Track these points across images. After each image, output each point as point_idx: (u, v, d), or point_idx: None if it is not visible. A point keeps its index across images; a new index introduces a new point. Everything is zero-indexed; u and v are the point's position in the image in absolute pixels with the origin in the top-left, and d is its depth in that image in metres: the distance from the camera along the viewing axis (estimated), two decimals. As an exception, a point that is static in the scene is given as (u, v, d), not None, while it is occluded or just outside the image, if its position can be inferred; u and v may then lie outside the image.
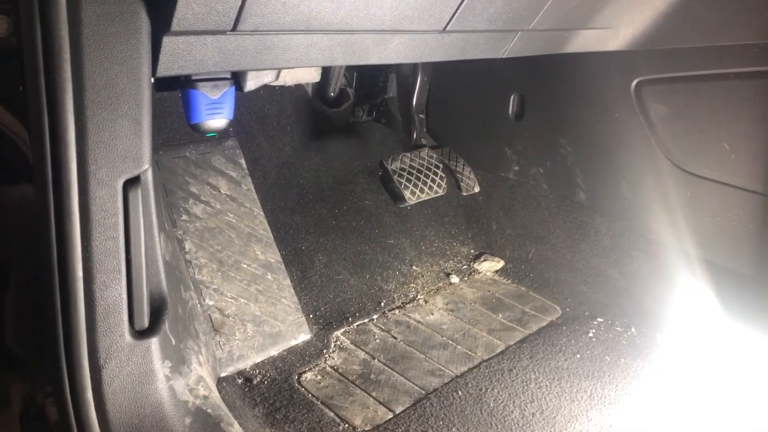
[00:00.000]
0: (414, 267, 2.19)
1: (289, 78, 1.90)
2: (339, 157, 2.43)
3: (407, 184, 2.20)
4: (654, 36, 1.77)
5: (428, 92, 2.45)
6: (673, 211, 1.88)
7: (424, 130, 2.48)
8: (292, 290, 1.79)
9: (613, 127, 1.98)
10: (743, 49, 1.64)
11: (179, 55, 1.01)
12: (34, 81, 0.89)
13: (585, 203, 2.17)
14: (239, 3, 0.97)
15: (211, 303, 1.59)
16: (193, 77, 1.23)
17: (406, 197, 2.18)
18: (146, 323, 1.10)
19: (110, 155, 0.97)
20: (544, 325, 1.95)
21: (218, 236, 1.69)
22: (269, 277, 1.75)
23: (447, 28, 1.37)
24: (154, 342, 1.10)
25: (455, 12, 1.32)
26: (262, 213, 1.83)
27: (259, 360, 1.62)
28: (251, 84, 1.29)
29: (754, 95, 1.67)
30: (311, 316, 1.83)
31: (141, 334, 1.09)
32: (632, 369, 1.72)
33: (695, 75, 1.75)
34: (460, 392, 1.59)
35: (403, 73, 2.42)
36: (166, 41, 0.98)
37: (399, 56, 1.40)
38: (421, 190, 2.22)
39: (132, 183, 1.01)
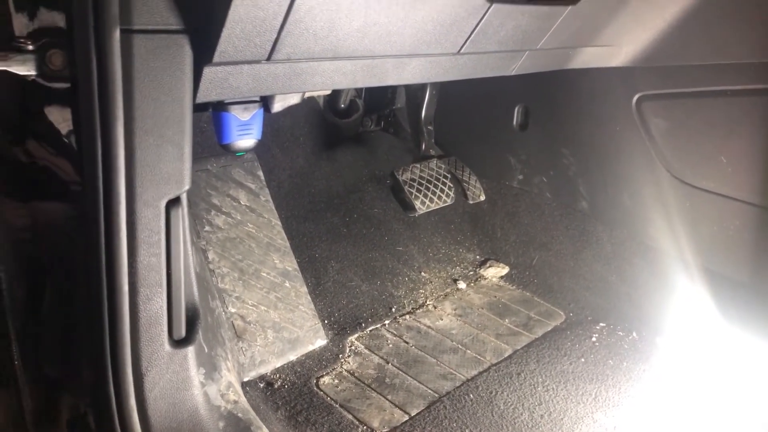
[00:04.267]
0: (422, 273, 2.27)
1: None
2: (349, 166, 2.50)
3: (417, 194, 2.28)
4: (655, 53, 1.85)
5: (436, 104, 2.53)
6: (672, 220, 1.96)
7: (432, 140, 2.56)
8: (309, 297, 1.86)
9: (614, 139, 2.06)
10: (741, 67, 1.73)
11: (217, 83, 1.08)
12: (88, 110, 0.96)
13: (587, 212, 2.25)
14: (275, 36, 1.04)
15: (233, 311, 1.66)
16: (225, 101, 1.30)
17: (417, 207, 2.25)
18: (183, 333, 1.17)
19: (155, 178, 1.04)
20: (549, 329, 2.03)
21: (239, 246, 1.76)
22: (287, 284, 1.82)
23: (461, 51, 1.44)
24: (190, 350, 1.17)
25: (469, 36, 1.40)
26: (279, 223, 1.90)
27: (279, 365, 1.69)
28: (278, 106, 1.36)
29: (750, 111, 1.75)
30: (326, 321, 1.91)
31: (178, 343, 1.16)
32: (634, 372, 1.80)
33: (694, 91, 1.83)
34: (471, 395, 1.67)
35: (412, 87, 2.49)
36: (207, 71, 1.05)
37: (415, 77, 1.48)
38: (431, 200, 2.30)
39: (173, 203, 1.08)
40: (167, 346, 1.13)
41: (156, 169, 1.03)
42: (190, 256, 1.21)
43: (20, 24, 1.00)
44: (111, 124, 0.96)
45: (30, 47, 0.95)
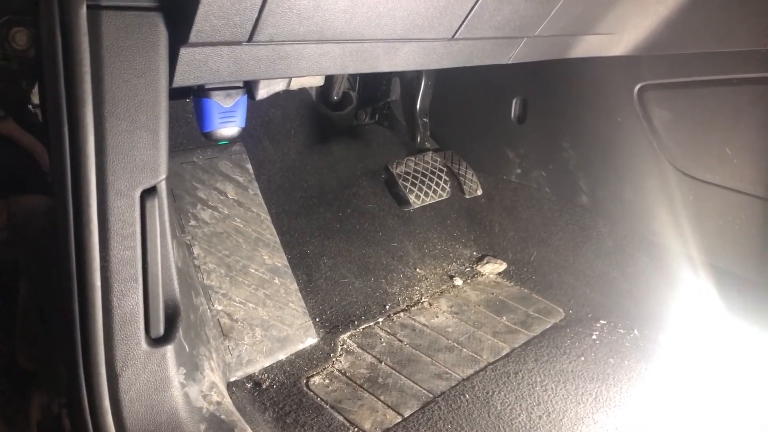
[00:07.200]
0: (418, 270, 2.21)
1: (294, 82, 1.91)
2: (342, 160, 2.44)
3: (412, 187, 2.22)
4: (657, 41, 1.79)
5: (431, 96, 2.47)
6: (676, 214, 1.90)
7: (428, 133, 2.50)
8: (299, 294, 1.80)
9: (615, 131, 2.00)
10: (746, 55, 1.66)
11: (195, 65, 1.02)
12: (54, 92, 0.90)
13: (588, 206, 2.19)
14: (255, 15, 0.98)
15: (220, 308, 1.60)
16: (207, 86, 1.23)
17: (411, 201, 2.19)
18: (161, 331, 1.11)
19: (128, 166, 0.98)
20: (547, 327, 1.97)
21: (226, 241, 1.70)
22: (276, 281, 1.76)
23: (456, 36, 1.38)
24: (169, 350, 1.11)
25: (464, 20, 1.34)
26: (268, 217, 1.84)
27: (267, 364, 1.63)
28: (263, 92, 1.30)
29: (755, 101, 1.69)
30: (318, 319, 1.85)
31: (156, 342, 1.10)
32: (636, 371, 1.74)
33: (698, 80, 1.77)
34: (467, 395, 1.60)
35: (407, 77, 2.43)
36: (183, 52, 0.98)
37: (408, 64, 1.42)
38: (426, 194, 2.24)
39: (149, 193, 1.02)
40: (144, 345, 1.07)
41: (129, 156, 0.97)
42: (170, 250, 1.14)
43: (-20, 0, 0.94)
44: (78, 107, 0.90)
45: (-10, 24, 0.89)
